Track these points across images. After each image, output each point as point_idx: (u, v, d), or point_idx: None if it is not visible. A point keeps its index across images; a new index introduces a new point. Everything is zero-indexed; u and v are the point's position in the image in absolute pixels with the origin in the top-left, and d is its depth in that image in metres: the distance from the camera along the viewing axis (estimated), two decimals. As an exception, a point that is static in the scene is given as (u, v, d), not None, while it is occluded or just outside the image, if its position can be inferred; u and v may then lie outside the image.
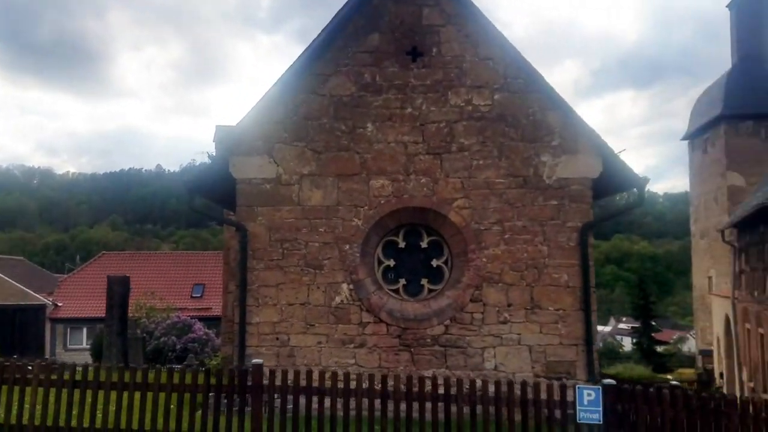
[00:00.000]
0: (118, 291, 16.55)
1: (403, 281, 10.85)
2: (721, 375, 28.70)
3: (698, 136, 39.36)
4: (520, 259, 10.47)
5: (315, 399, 7.34)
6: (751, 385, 21.05)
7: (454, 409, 7.41)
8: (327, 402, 7.68)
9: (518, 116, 10.64)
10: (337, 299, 10.46)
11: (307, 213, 10.59)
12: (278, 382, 7.58)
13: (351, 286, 10.47)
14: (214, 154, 16.87)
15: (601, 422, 6.07)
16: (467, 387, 7.88)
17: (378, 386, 7.37)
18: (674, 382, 7.82)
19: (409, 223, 10.85)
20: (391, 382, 7.61)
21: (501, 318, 10.39)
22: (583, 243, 10.39)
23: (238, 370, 7.80)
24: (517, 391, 7.22)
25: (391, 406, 7.54)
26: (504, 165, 10.60)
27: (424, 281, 10.84)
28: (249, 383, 7.39)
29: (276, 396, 7.67)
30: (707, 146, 38.05)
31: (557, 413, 6.96)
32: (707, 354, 33.88)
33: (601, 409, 6.02)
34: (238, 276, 10.49)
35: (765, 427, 6.23)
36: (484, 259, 10.49)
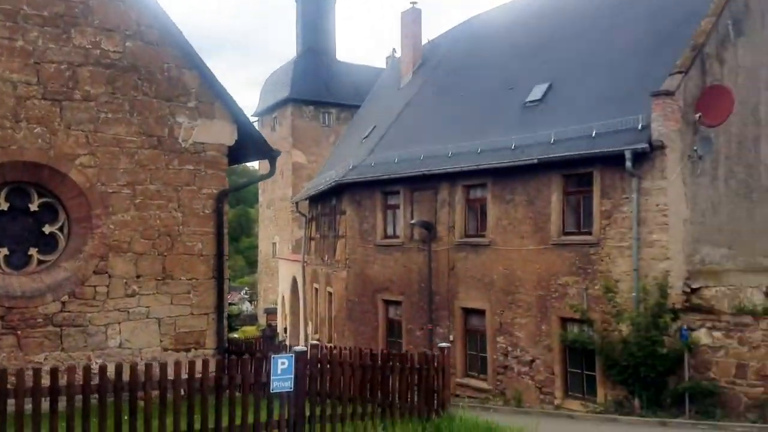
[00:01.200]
0: None
1: (5, 251, 8.88)
2: (285, 329, 32.20)
3: (267, 114, 42.73)
4: (153, 227, 9.72)
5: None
6: (317, 336, 24.23)
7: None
8: None
9: (153, 70, 9.77)
10: None
11: None
12: None
13: (-71, 259, 8.06)
14: None
15: (292, 389, 6.17)
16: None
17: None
18: (314, 341, 8.44)
19: (15, 181, 8.91)
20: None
21: (129, 291, 9.49)
22: (219, 211, 10.25)
23: None
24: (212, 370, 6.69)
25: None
26: (136, 122, 9.62)
27: (32, 251, 9.09)
28: None
29: None
30: (275, 124, 41.61)
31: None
32: (271, 312, 37.46)
33: (292, 376, 6.12)
34: None
35: (417, 374, 7.41)
36: (112, 226, 9.38)
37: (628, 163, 12.40)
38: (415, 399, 7.50)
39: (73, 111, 9.10)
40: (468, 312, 16.40)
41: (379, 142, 20.98)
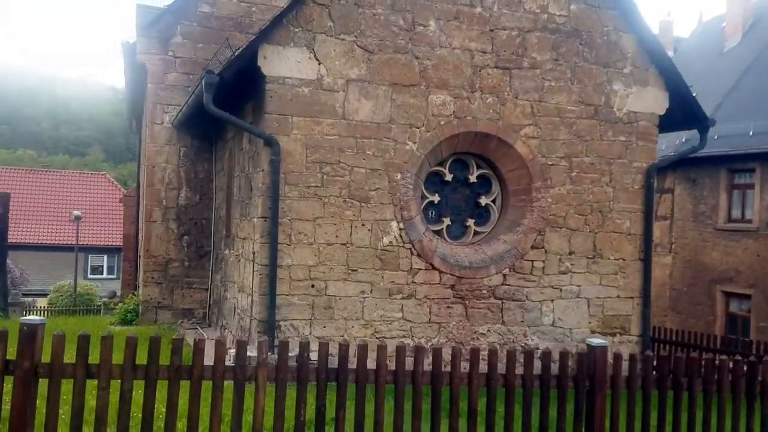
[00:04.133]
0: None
1: (447, 221, 8.93)
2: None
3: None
4: (585, 202, 9.15)
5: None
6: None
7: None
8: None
9: (593, 34, 9.09)
10: (385, 240, 8.22)
11: (353, 129, 8.04)
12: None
13: (401, 225, 8.28)
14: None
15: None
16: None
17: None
18: None
19: (461, 152, 8.87)
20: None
21: (562, 268, 9.06)
22: (648, 186, 9.39)
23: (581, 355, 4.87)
24: None
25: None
26: (576, 90, 9.05)
27: (470, 222, 9.04)
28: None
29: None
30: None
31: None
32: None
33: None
34: (267, 205, 7.72)
35: None
36: (549, 200, 8.97)
37: None
38: None
39: (520, 80, 8.76)
40: None
41: (715, 113, 18.62)
